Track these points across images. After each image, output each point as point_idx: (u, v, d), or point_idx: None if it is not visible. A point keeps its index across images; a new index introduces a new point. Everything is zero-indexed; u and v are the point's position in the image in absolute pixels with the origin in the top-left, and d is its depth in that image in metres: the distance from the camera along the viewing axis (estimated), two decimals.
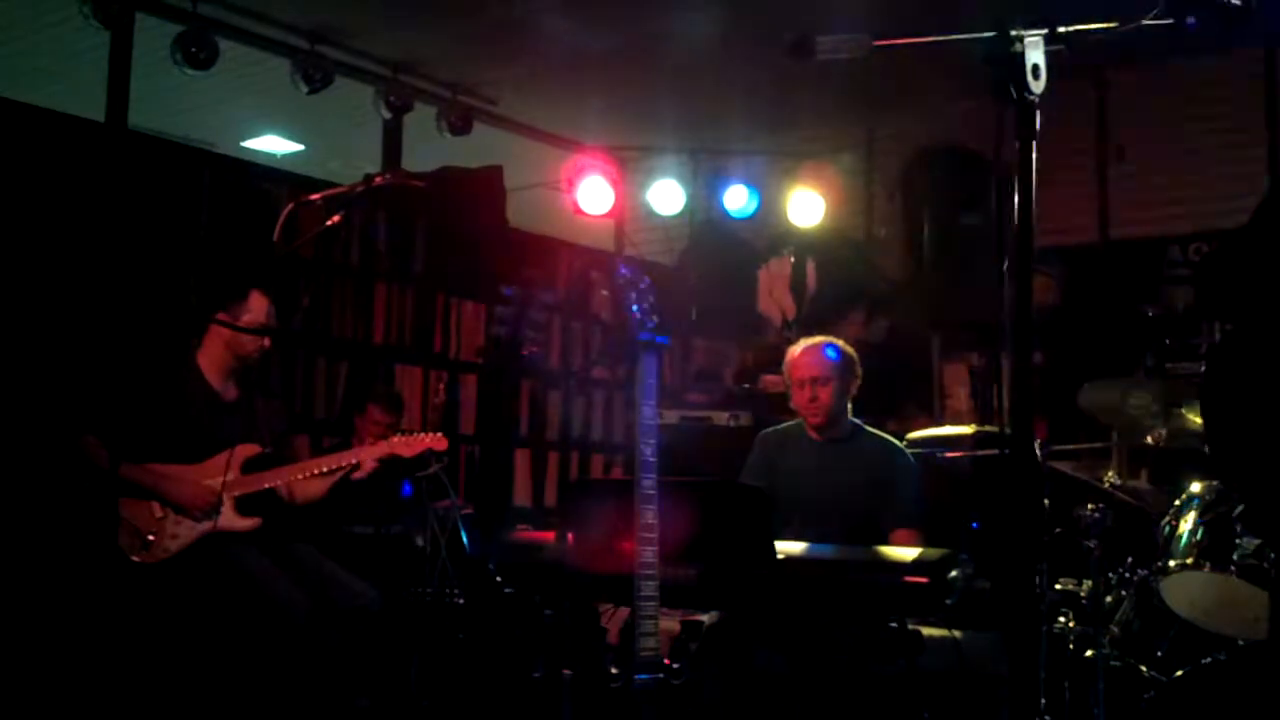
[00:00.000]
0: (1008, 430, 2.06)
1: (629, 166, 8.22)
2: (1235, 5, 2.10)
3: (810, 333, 4.85)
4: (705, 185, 7.97)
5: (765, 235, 8.08)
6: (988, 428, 5.13)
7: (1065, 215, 6.95)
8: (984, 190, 6.44)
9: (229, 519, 4.25)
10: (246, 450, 4.32)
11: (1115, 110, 7.09)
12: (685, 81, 6.98)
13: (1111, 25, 1.99)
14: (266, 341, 4.46)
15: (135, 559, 4.16)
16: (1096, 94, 7.09)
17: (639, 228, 8.49)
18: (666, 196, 7.79)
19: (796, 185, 7.44)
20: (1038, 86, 1.91)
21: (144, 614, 4.10)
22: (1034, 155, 1.91)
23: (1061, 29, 1.95)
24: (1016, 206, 1.89)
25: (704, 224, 8.30)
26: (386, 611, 4.42)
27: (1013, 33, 1.91)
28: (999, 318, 2.02)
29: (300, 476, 4.38)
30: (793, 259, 7.78)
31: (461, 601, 4.76)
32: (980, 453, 4.84)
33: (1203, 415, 2.62)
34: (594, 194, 7.13)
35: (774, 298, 7.85)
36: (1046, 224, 1.90)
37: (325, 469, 4.39)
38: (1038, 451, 3.99)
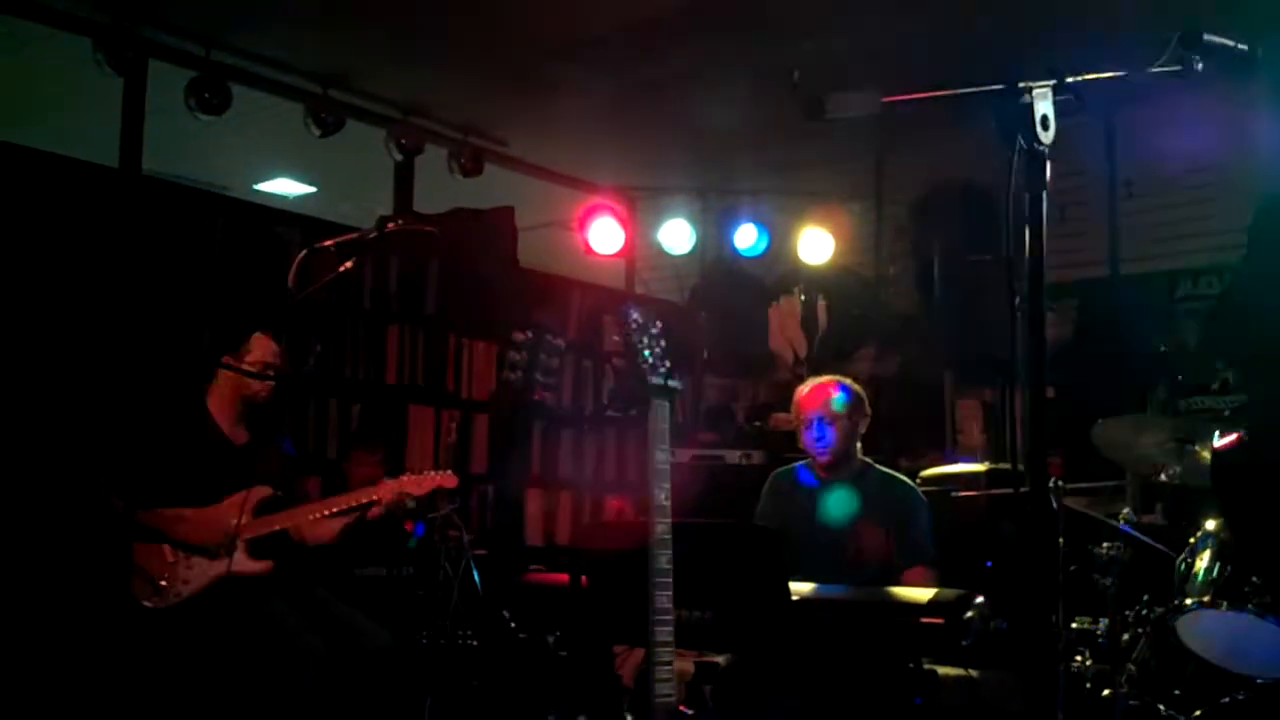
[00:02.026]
0: (1022, 467, 2.07)
1: (639, 206, 8.26)
2: (1241, 50, 2.12)
3: (822, 370, 4.86)
4: (715, 224, 8.00)
5: (775, 273, 8.09)
6: (1002, 465, 5.13)
7: (1075, 250, 6.96)
8: (995, 226, 6.45)
9: (241, 562, 4.24)
10: (259, 493, 4.32)
11: (1124, 144, 7.11)
12: (695, 122, 7.02)
13: (1120, 75, 2.01)
14: (271, 383, 4.47)
15: (147, 604, 4.16)
16: (1106, 128, 7.12)
17: (650, 266, 8.51)
18: (677, 236, 7.82)
19: (806, 223, 7.45)
20: (1047, 137, 1.92)
21: (157, 660, 4.10)
22: (1045, 204, 1.92)
23: (1070, 79, 1.96)
24: (1028, 253, 1.90)
25: (714, 263, 8.33)
26: (399, 655, 4.41)
27: (1021, 84, 1.92)
28: (1012, 353, 2.03)
29: (312, 518, 4.38)
30: (803, 297, 7.80)
31: (475, 644, 4.74)
32: (994, 491, 4.83)
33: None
34: (605, 234, 7.17)
35: (785, 335, 7.86)
36: (1057, 259, 1.91)
37: (336, 509, 4.39)
38: (1053, 489, 4.00)
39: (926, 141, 7.45)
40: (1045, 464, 2.02)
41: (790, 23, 5.82)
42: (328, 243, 3.99)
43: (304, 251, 3.94)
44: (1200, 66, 2.09)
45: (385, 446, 6.07)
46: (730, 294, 8.23)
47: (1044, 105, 1.92)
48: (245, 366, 4.37)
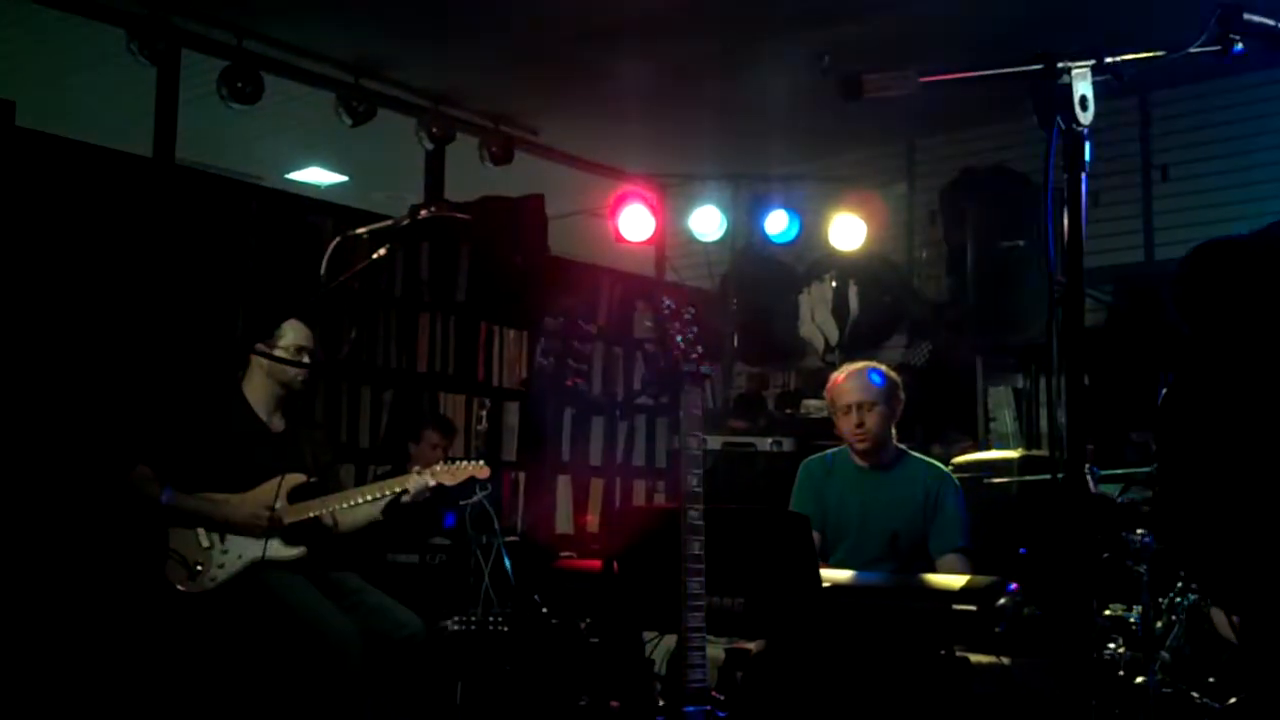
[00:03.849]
0: (1056, 454, 2.06)
1: (670, 192, 8.25)
2: None
3: (853, 357, 4.83)
4: (746, 210, 7.96)
5: (806, 259, 8.06)
6: (1035, 452, 5.10)
7: (1110, 236, 6.92)
8: (1027, 211, 6.41)
9: (275, 548, 4.28)
10: (294, 479, 4.35)
11: (1160, 129, 7.06)
12: (725, 108, 7.00)
13: (1159, 54, 1.98)
14: (306, 370, 4.49)
15: (181, 589, 4.19)
16: (1141, 113, 7.07)
17: (680, 253, 8.51)
18: (707, 222, 7.79)
19: (837, 209, 7.41)
20: (1086, 117, 1.90)
21: (191, 644, 4.14)
22: (1084, 185, 1.90)
23: (1109, 59, 1.93)
24: (1067, 237, 1.88)
25: (745, 249, 8.30)
26: (431, 640, 4.43)
27: (1059, 65, 1.90)
28: (1046, 340, 2.01)
29: (346, 505, 4.41)
30: (834, 283, 7.76)
31: (506, 630, 4.77)
32: (1028, 477, 4.80)
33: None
34: (635, 222, 7.14)
35: (816, 322, 7.83)
36: (1091, 244, 1.89)
37: (370, 497, 4.41)
38: (1090, 476, 3.97)
39: (958, 126, 7.42)
40: (1084, 450, 2.00)
41: (823, 7, 5.80)
42: (360, 231, 4.01)
43: (337, 239, 3.96)
44: (1240, 47, 2.07)
45: (455, 432, 6.16)
46: (761, 281, 8.19)
47: (1083, 85, 1.90)
48: (279, 353, 4.40)
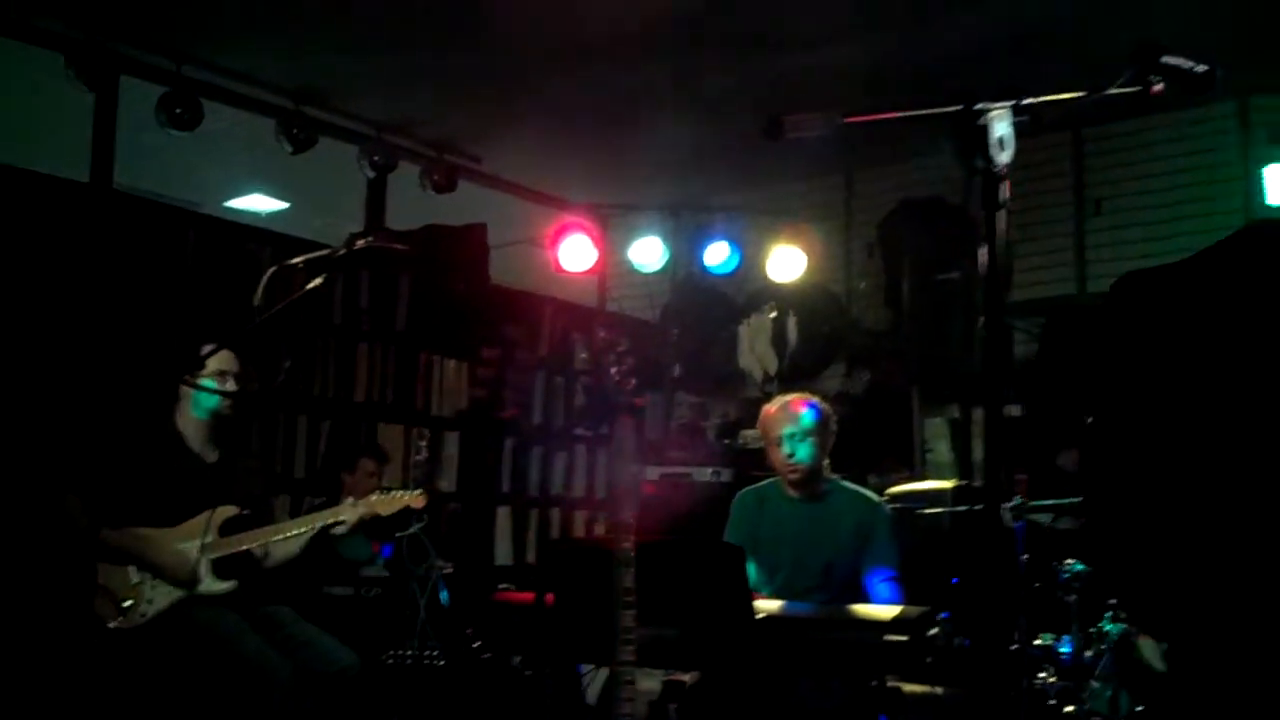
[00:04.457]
0: (978, 486, 2.08)
1: (611, 222, 8.27)
2: (1199, 73, 2.15)
3: (791, 387, 4.86)
4: (687, 241, 8.00)
5: (746, 290, 8.11)
6: (967, 482, 5.14)
7: (1043, 269, 7.02)
8: (963, 243, 6.50)
9: (206, 582, 4.22)
10: (225, 512, 4.30)
11: (1093, 163, 7.18)
12: (667, 140, 7.04)
13: (1079, 95, 2.02)
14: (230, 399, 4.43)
15: (111, 625, 4.13)
16: (1074, 147, 7.19)
17: (621, 283, 8.53)
18: (648, 252, 7.78)
19: (777, 241, 7.46)
20: (1004, 157, 1.93)
21: (121, 681, 4.07)
22: (1001, 225, 1.93)
23: (1028, 100, 1.97)
24: (985, 274, 1.91)
25: (685, 280, 8.34)
26: (365, 674, 4.39)
27: (977, 106, 1.93)
28: (976, 371, 2.05)
29: (278, 537, 4.36)
30: (774, 314, 7.81)
31: (441, 664, 4.73)
32: (960, 508, 4.85)
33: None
34: (575, 252, 7.14)
35: (755, 353, 7.87)
36: (1024, 276, 1.93)
37: (303, 529, 4.36)
38: (1011, 507, 4.03)
39: (896, 159, 7.52)
40: (1001, 482, 2.03)
41: (762, 41, 5.86)
42: (296, 260, 3.97)
43: (271, 269, 3.92)
44: (1160, 87, 2.12)
45: (388, 459, 6.10)
46: (701, 311, 8.23)
47: (1001, 126, 1.93)
48: (203, 381, 4.33)
